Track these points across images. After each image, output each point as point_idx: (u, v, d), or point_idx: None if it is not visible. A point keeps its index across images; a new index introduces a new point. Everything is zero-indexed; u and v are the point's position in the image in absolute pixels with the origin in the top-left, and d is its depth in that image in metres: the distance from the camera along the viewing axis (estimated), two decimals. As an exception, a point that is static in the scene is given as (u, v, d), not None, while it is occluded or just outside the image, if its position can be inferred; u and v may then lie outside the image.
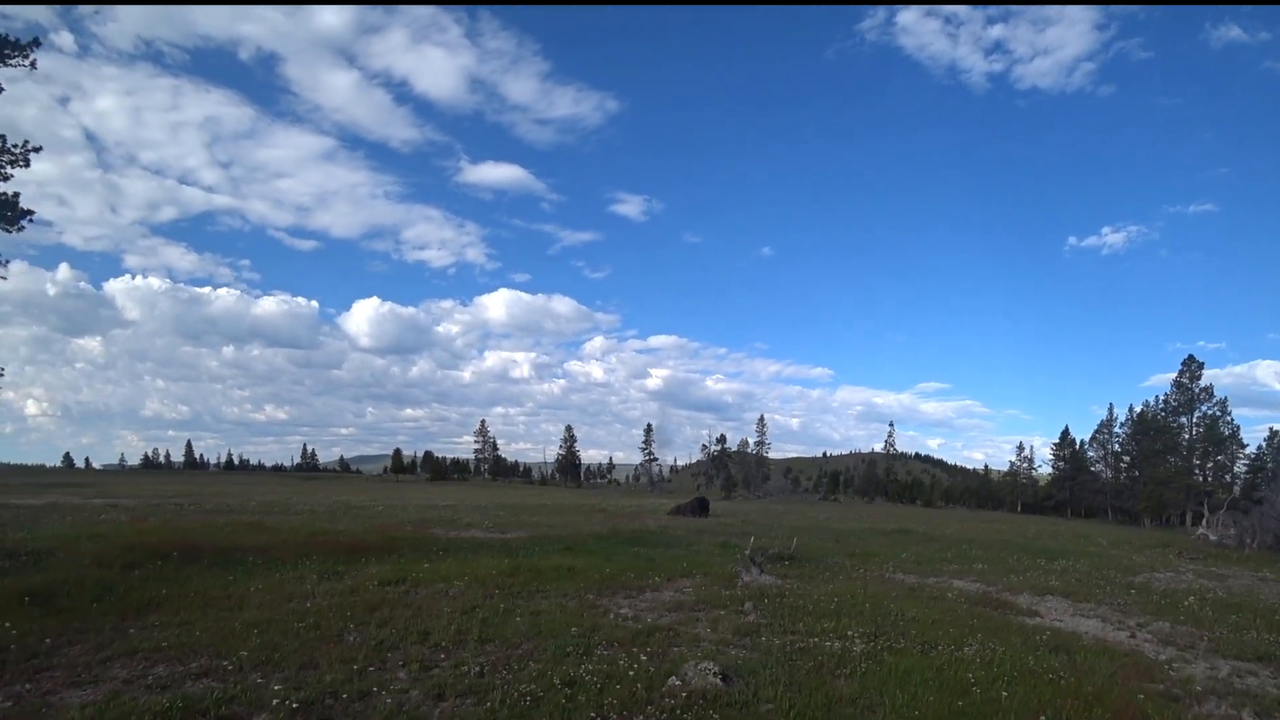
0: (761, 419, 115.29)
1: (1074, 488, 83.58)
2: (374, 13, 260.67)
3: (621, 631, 10.01)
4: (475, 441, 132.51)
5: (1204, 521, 35.97)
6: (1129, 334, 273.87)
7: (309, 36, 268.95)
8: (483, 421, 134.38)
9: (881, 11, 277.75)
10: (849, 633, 10.45)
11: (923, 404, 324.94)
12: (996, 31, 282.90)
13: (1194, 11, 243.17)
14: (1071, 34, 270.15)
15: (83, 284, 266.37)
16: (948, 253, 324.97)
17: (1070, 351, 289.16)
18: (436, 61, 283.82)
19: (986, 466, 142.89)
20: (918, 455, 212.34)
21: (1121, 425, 78.62)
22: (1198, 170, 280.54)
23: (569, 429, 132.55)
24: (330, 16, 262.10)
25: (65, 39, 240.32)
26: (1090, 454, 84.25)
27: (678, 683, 7.36)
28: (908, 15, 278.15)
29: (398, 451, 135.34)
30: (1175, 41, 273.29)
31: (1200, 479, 63.71)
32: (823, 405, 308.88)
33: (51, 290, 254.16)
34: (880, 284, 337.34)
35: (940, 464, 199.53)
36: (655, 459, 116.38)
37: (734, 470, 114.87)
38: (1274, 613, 14.14)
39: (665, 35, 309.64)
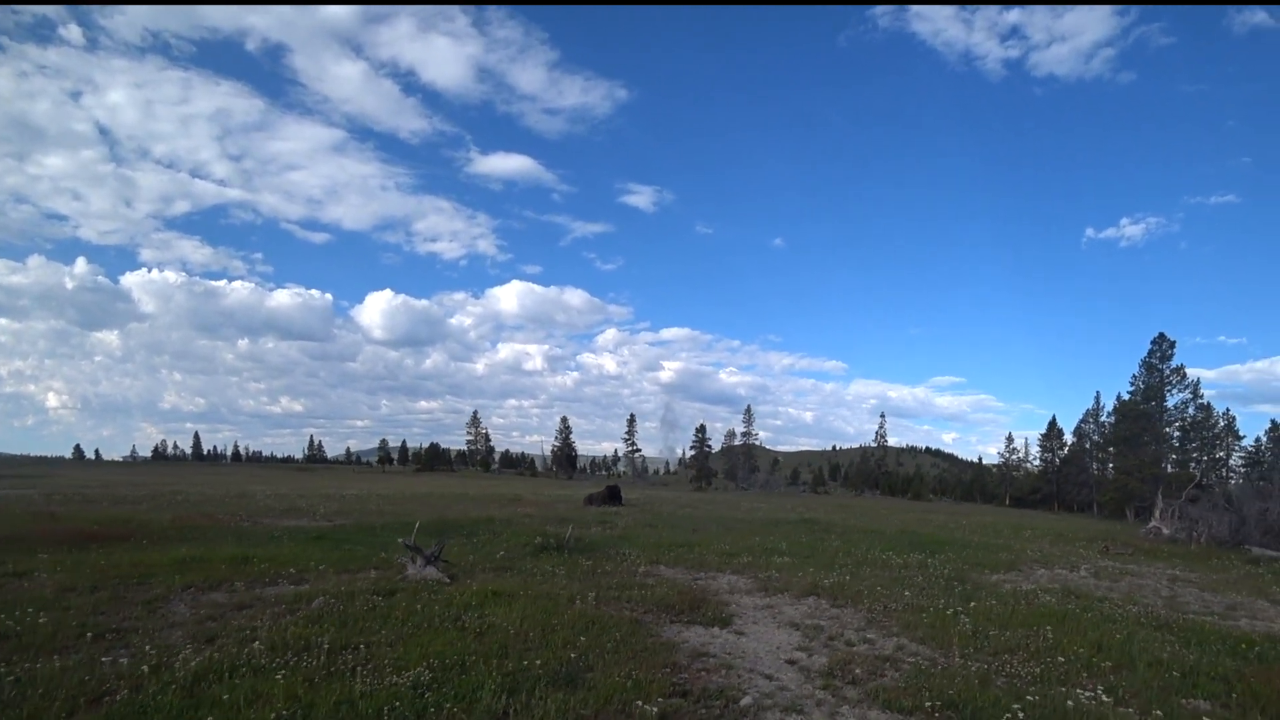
0: (748, 410, 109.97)
1: (1060, 480, 77.54)
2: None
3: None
4: (468, 434, 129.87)
5: (1157, 513, 31.11)
6: (1148, 328, 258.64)
7: (315, 27, 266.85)
8: (475, 414, 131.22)
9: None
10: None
11: (937, 398, 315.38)
12: (1013, 17, 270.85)
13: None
14: (1090, 19, 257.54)
15: (99, 278, 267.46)
16: (962, 244, 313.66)
17: (1086, 346, 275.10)
18: (444, 51, 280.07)
19: (980, 459, 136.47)
20: (928, 449, 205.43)
21: (1108, 415, 72.39)
22: (1219, 160, 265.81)
23: (564, 420, 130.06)
24: (336, 5, 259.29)
25: (74, 32, 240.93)
26: (1076, 444, 77.83)
27: None
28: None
29: (384, 443, 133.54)
30: (1198, 27, 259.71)
31: (1194, 471, 58.04)
32: (836, 399, 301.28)
33: (69, 284, 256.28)
34: (893, 276, 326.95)
35: (951, 458, 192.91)
36: (639, 450, 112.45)
37: (714, 462, 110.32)
38: (1088, 630, 9.88)
39: (674, 23, 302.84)
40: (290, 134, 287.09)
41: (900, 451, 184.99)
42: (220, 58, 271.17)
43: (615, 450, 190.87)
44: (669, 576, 13.07)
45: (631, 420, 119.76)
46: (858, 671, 7.13)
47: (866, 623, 9.67)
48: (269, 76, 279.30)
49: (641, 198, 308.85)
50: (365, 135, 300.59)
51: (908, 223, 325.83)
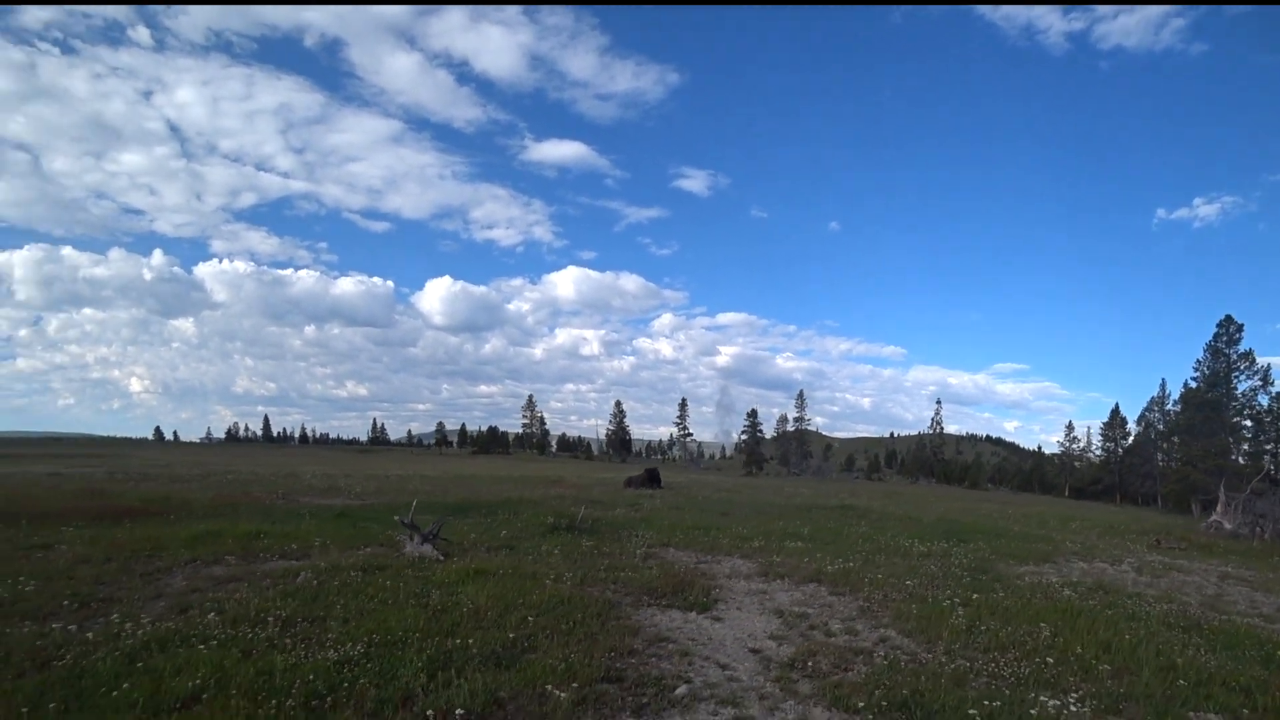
0: (800, 395, 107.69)
1: (1122, 471, 73.40)
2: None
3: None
4: (524, 417, 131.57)
5: (1219, 507, 29.14)
6: (1221, 312, 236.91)
7: (370, 20, 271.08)
8: (530, 398, 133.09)
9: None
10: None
11: (999, 385, 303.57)
12: None
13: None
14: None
15: (175, 268, 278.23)
16: (1025, 226, 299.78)
17: (1156, 331, 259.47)
18: (495, 40, 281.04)
19: (1039, 448, 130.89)
20: (988, 437, 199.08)
21: (1174, 403, 67.86)
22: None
23: (618, 404, 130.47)
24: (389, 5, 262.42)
25: (142, 34, 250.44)
26: (1142, 434, 73.17)
27: None
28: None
29: (440, 425, 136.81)
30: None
31: (1266, 463, 54.18)
32: (895, 385, 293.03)
33: (147, 275, 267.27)
34: (953, 259, 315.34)
35: (1012, 447, 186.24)
36: (690, 434, 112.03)
37: (768, 448, 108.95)
38: (1100, 629, 9.07)
39: (724, 6, 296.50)
40: (350, 126, 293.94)
41: (960, 439, 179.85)
42: (281, 54, 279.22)
43: (670, 434, 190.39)
44: (672, 559, 12.70)
45: (683, 404, 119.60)
46: (823, 664, 6.64)
47: (859, 612, 9.11)
48: (327, 71, 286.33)
49: (695, 182, 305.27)
50: (422, 125, 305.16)
51: (968, 204, 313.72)
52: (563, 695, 5.24)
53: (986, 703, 5.61)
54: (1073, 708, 5.68)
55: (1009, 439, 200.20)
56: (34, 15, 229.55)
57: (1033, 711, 5.52)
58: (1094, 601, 10.85)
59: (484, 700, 5.16)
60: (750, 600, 9.57)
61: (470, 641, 6.40)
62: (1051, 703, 5.74)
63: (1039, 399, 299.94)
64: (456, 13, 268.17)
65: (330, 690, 5.31)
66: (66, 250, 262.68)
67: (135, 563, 10.53)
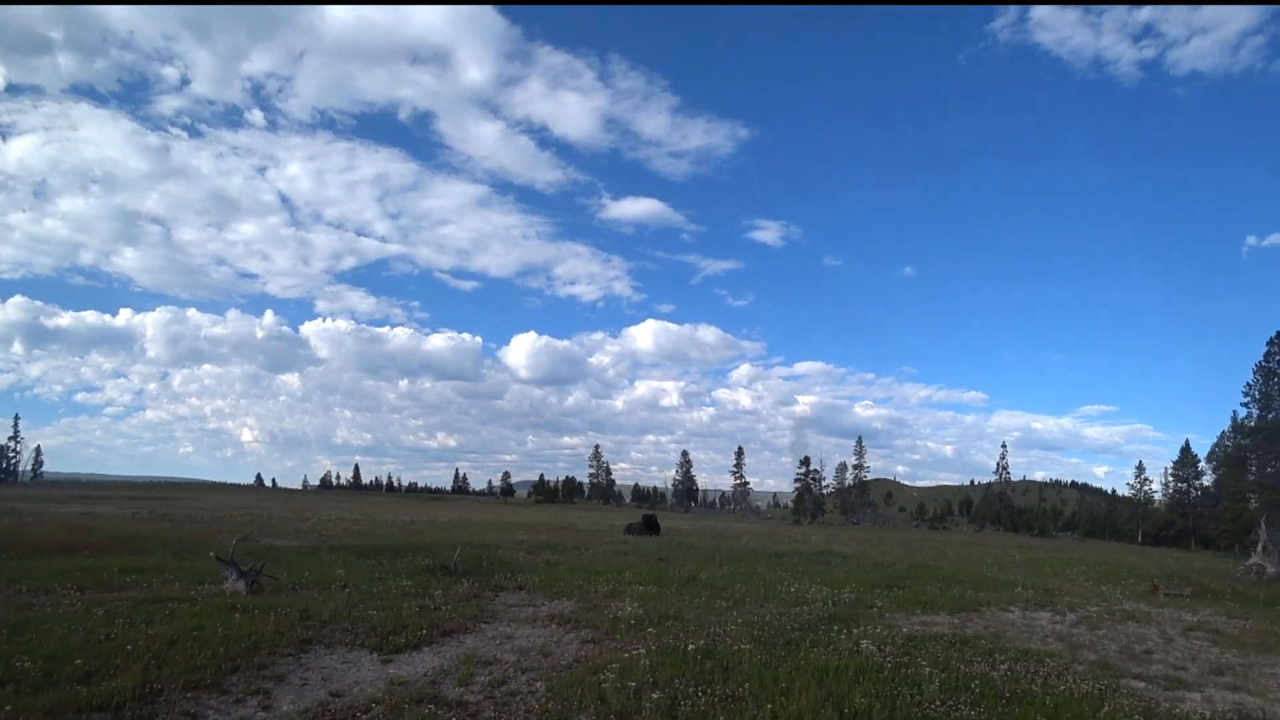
0: (859, 442, 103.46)
1: (1195, 514, 65.75)
2: (512, 65, 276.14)
3: None
4: (590, 468, 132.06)
5: (1259, 548, 25.80)
6: None
7: (457, 93, 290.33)
8: (597, 448, 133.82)
9: (1013, 9, 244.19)
10: None
11: (1086, 429, 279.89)
12: (1145, 14, 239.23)
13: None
14: (1233, 6, 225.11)
15: (283, 327, 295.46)
16: (1108, 262, 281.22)
17: (1253, 366, 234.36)
18: (573, 105, 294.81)
19: (1113, 490, 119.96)
20: (1073, 483, 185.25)
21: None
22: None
23: (684, 455, 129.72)
24: (474, 72, 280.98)
25: (257, 116, 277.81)
26: (1225, 472, 64.89)
27: None
28: (1041, 9, 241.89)
29: (505, 475, 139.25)
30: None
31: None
32: (977, 431, 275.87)
33: (259, 333, 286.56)
34: (1035, 301, 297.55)
35: (1100, 493, 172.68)
36: (747, 483, 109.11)
37: (822, 499, 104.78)
38: (827, 694, 7.92)
39: (788, 58, 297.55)
40: (440, 192, 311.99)
41: (1044, 486, 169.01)
42: (378, 128, 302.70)
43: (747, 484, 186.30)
44: (497, 600, 12.16)
45: (740, 453, 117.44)
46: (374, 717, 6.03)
47: (569, 662, 8.25)
48: (420, 141, 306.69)
49: (769, 233, 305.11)
50: (506, 189, 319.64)
51: (1046, 243, 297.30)
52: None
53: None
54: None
55: (1097, 484, 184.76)
56: (167, 104, 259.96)
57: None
58: (904, 659, 9.46)
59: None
60: (478, 643, 8.90)
61: (28, 664, 6.49)
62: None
63: (1130, 442, 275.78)
64: (536, 82, 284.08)
65: None
66: (191, 312, 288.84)
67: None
